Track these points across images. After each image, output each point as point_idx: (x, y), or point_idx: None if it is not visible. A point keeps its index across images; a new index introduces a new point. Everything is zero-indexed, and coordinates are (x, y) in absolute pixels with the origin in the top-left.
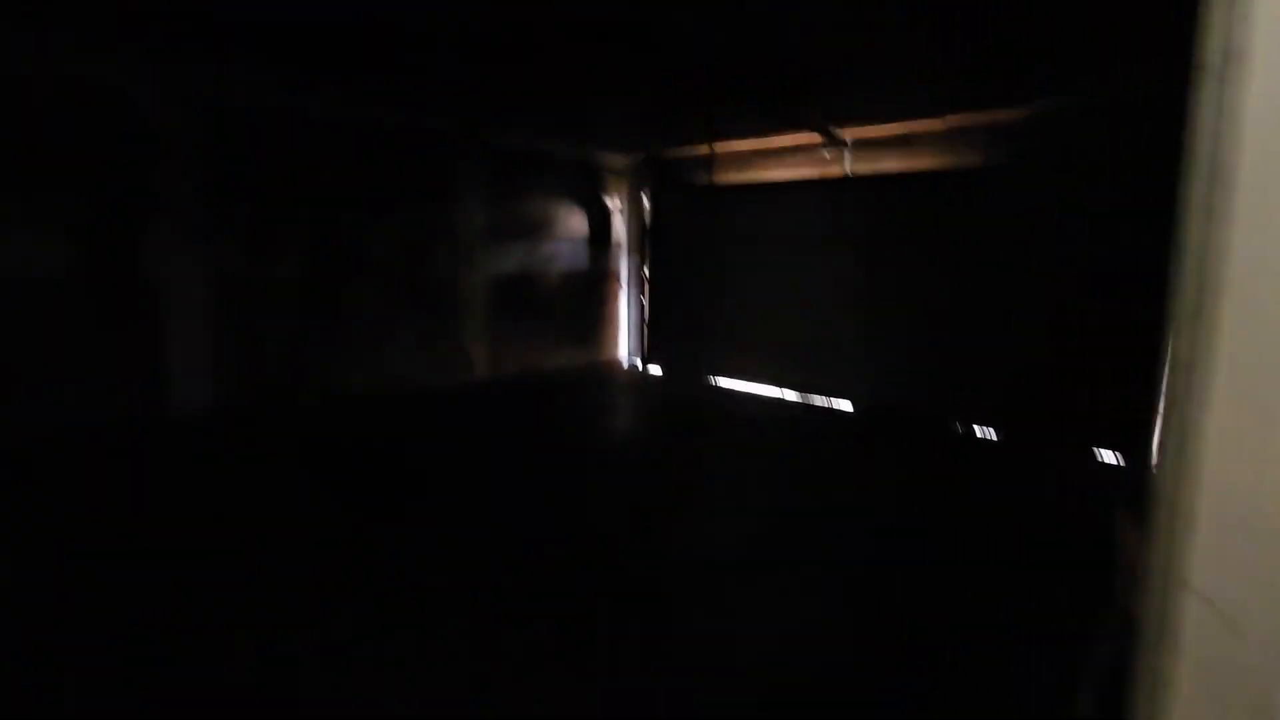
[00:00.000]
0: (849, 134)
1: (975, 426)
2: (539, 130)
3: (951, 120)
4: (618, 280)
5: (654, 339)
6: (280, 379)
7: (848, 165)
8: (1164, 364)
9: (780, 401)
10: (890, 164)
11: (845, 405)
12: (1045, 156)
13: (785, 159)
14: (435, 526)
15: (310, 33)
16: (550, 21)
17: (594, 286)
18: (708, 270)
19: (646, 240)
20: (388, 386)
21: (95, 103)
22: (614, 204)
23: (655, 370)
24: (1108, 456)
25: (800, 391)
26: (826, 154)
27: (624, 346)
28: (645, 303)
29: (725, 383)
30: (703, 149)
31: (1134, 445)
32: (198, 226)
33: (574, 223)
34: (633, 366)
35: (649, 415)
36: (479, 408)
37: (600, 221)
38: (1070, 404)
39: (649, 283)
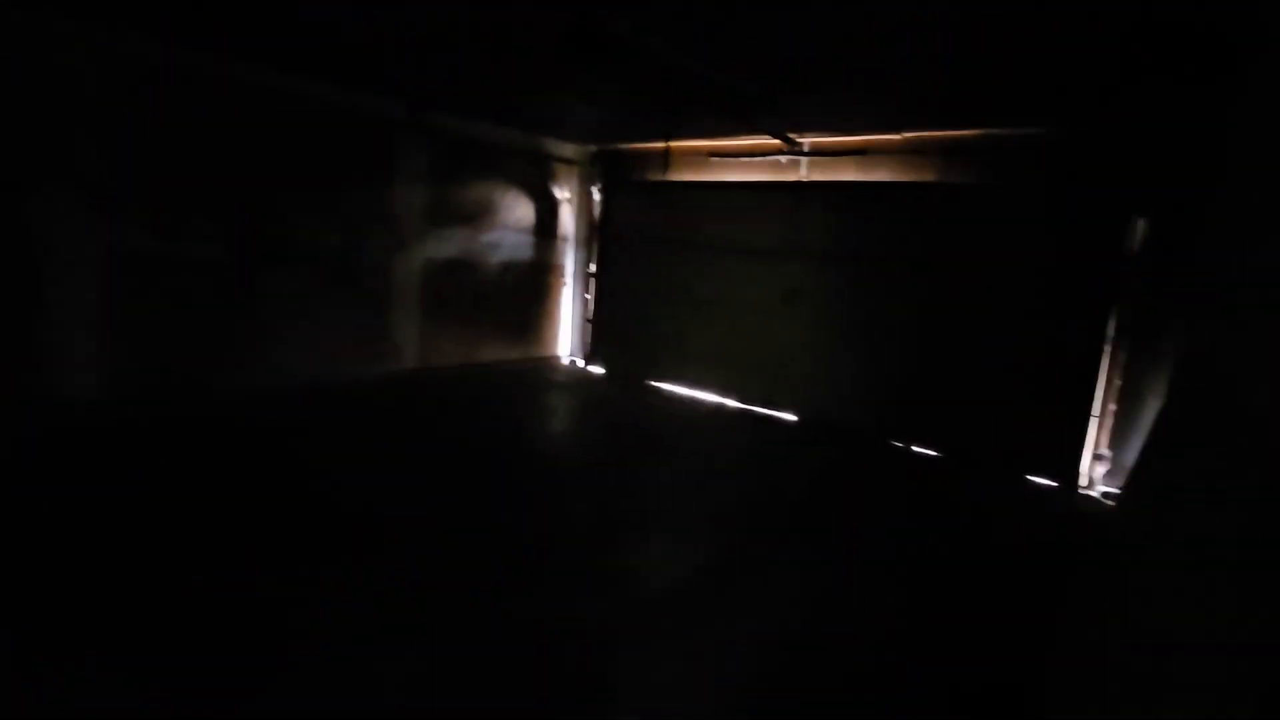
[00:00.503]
0: (807, 141)
1: (915, 447)
2: (486, 116)
3: (909, 136)
4: (562, 274)
5: (597, 337)
6: (187, 369)
7: (804, 172)
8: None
9: (720, 407)
10: (846, 173)
11: (787, 417)
12: (998, 179)
13: (742, 161)
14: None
15: None
16: (501, 16)
17: (536, 279)
18: (656, 270)
19: (594, 235)
20: (307, 379)
21: None
22: (562, 195)
23: (595, 370)
24: (1042, 481)
25: (744, 402)
26: (783, 160)
27: (565, 344)
28: (590, 299)
29: (669, 387)
30: (658, 145)
31: (1064, 471)
32: (98, 194)
33: (519, 212)
34: (573, 364)
35: (577, 413)
36: (396, 402)
37: (546, 213)
38: (1006, 428)
39: (595, 279)
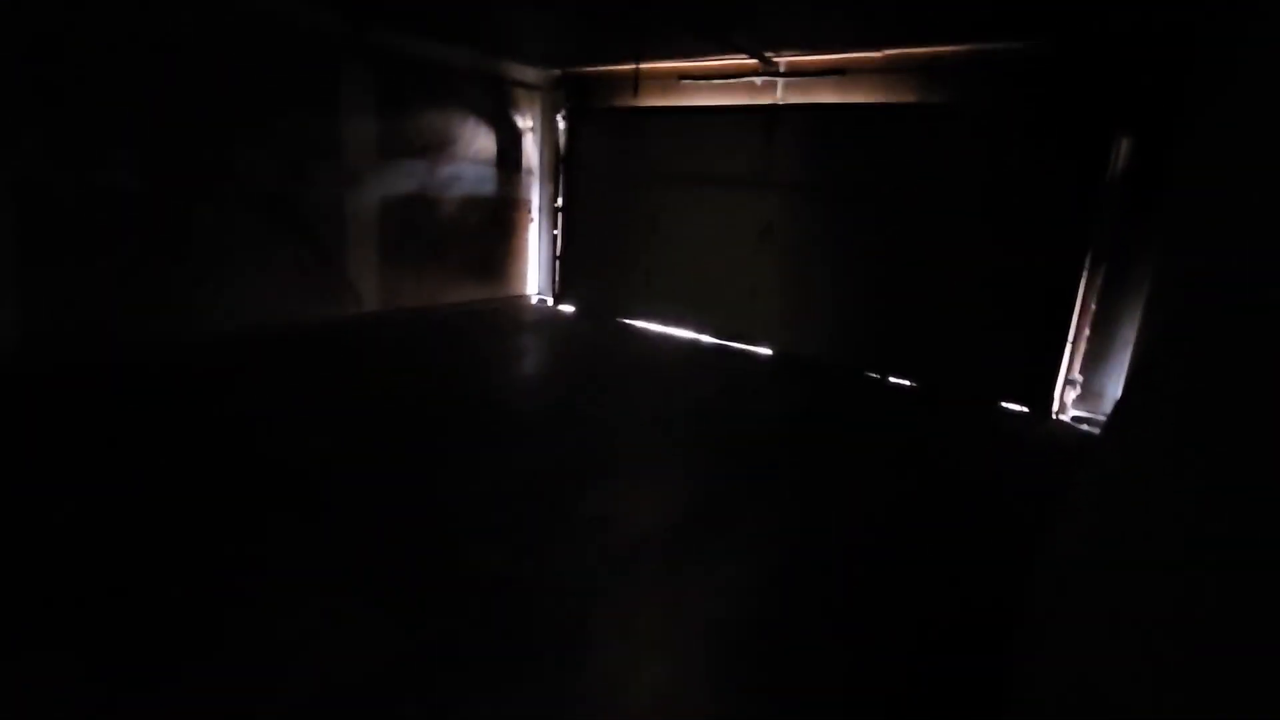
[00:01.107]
0: (784, 61)
1: (891, 378)
2: (437, 34)
3: (890, 53)
4: (528, 209)
5: (566, 275)
6: (113, 315)
7: (780, 94)
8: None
9: (694, 343)
10: (824, 95)
11: (762, 351)
12: (980, 98)
13: (715, 84)
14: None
15: None
16: None
17: (501, 215)
18: (625, 203)
19: (561, 167)
20: (253, 325)
21: None
22: (525, 124)
23: (566, 308)
24: (1016, 407)
25: (719, 337)
26: (759, 81)
27: (534, 282)
28: (557, 235)
29: (642, 324)
30: (626, 68)
31: (1037, 397)
32: None
33: (480, 143)
34: (542, 303)
35: (545, 354)
36: (351, 346)
37: (509, 143)
38: (982, 356)
39: (562, 213)
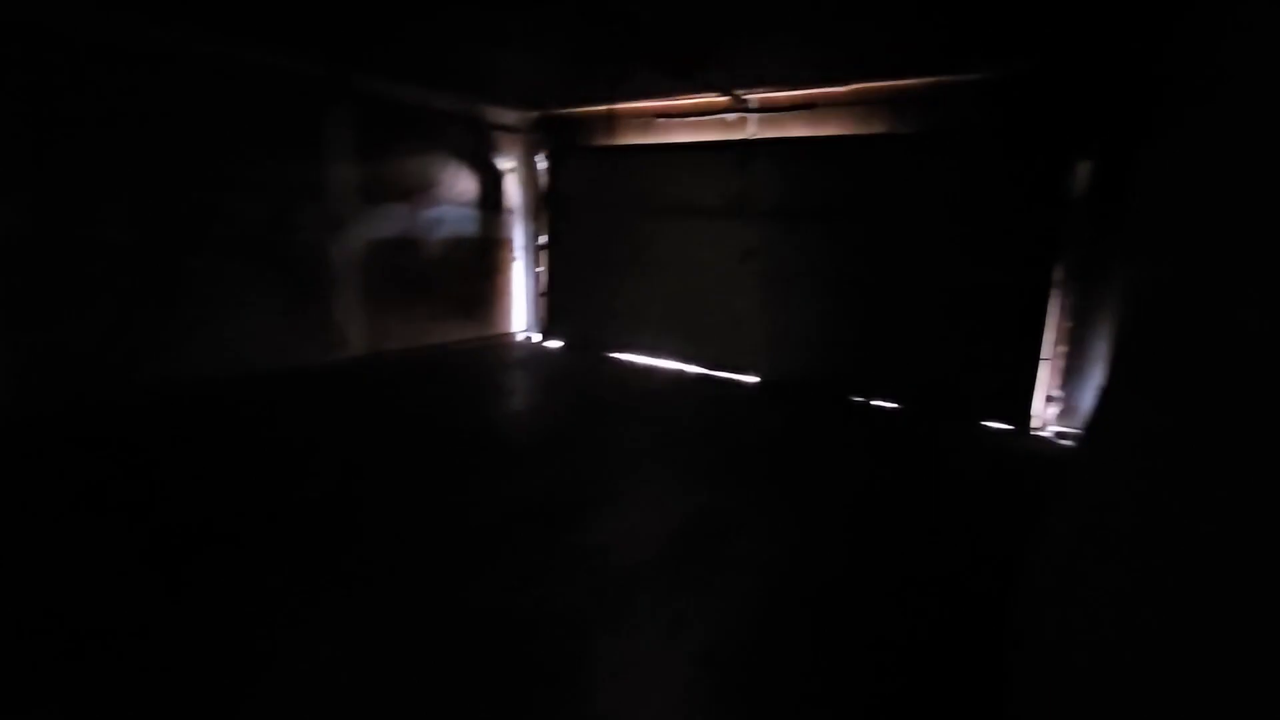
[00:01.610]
0: (754, 97)
1: (874, 400)
2: (416, 78)
3: (857, 87)
4: (511, 248)
5: (551, 311)
6: (103, 363)
7: (753, 129)
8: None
9: (680, 373)
10: (798, 129)
11: (749, 379)
12: (946, 127)
13: (689, 121)
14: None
15: None
16: None
17: (484, 255)
18: (607, 238)
19: (543, 205)
20: (239, 369)
21: None
22: (506, 165)
23: (553, 344)
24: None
25: (705, 367)
26: (730, 118)
27: (520, 319)
28: (541, 272)
29: (629, 357)
30: (602, 109)
31: (1017, 414)
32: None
33: (461, 185)
34: (529, 340)
35: (534, 389)
36: (339, 388)
37: (490, 184)
38: (960, 376)
39: (545, 251)
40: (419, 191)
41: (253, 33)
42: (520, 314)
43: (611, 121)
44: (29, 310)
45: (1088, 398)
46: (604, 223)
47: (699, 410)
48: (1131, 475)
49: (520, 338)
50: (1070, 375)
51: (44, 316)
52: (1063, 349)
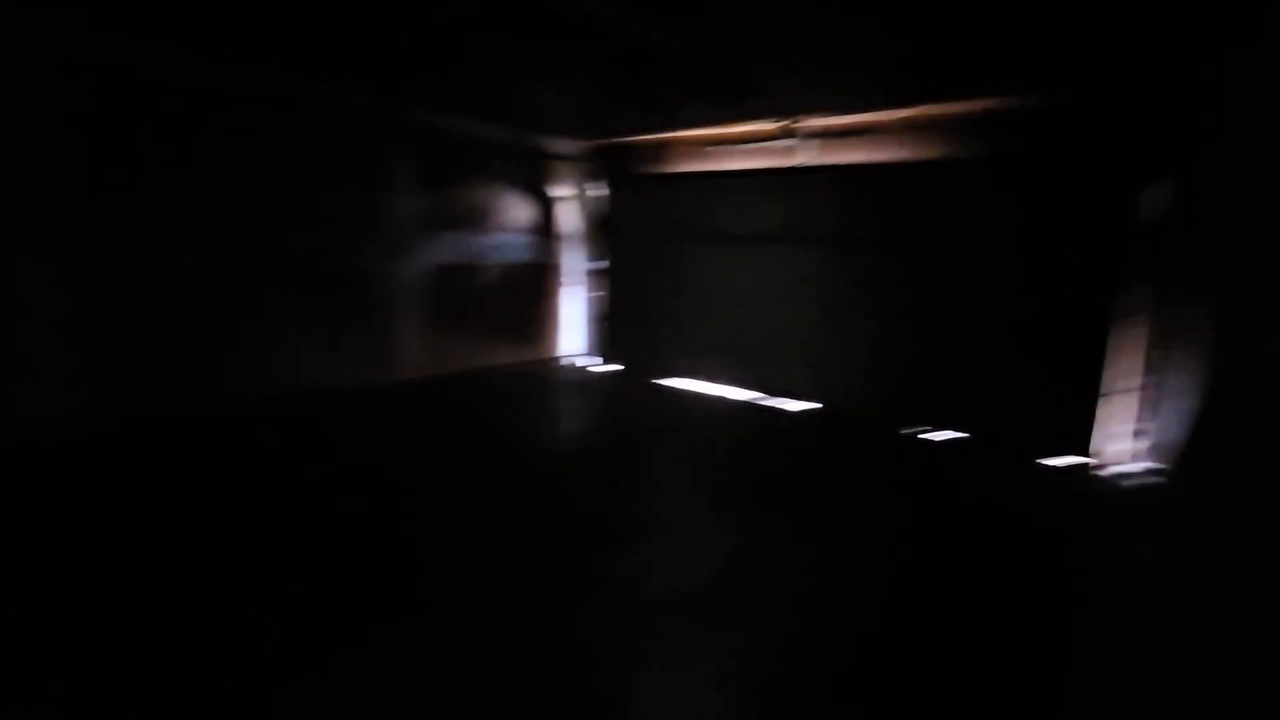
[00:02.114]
0: (809, 124)
1: (929, 430)
2: (472, 113)
3: (912, 113)
4: (563, 275)
5: (603, 336)
6: (174, 382)
7: (805, 156)
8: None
9: (732, 399)
10: (852, 154)
11: (804, 406)
12: (1006, 152)
13: (743, 148)
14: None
15: None
16: (490, 12)
17: (538, 280)
18: (660, 264)
19: (597, 232)
20: (304, 388)
21: None
22: (559, 193)
23: (604, 368)
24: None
25: (756, 392)
26: (782, 145)
27: (568, 343)
28: (594, 297)
29: (680, 383)
30: (654, 137)
31: (1077, 449)
32: (59, 210)
33: (517, 213)
34: (581, 365)
35: (585, 414)
36: (396, 408)
37: (544, 211)
38: (1018, 408)
39: (599, 276)
40: (475, 219)
41: (319, 74)
42: (571, 338)
43: (663, 150)
44: (114, 330)
45: (1174, 430)
46: (656, 248)
47: (747, 437)
48: (1247, 510)
49: (571, 362)
50: (1154, 409)
51: (127, 336)
52: (1144, 380)
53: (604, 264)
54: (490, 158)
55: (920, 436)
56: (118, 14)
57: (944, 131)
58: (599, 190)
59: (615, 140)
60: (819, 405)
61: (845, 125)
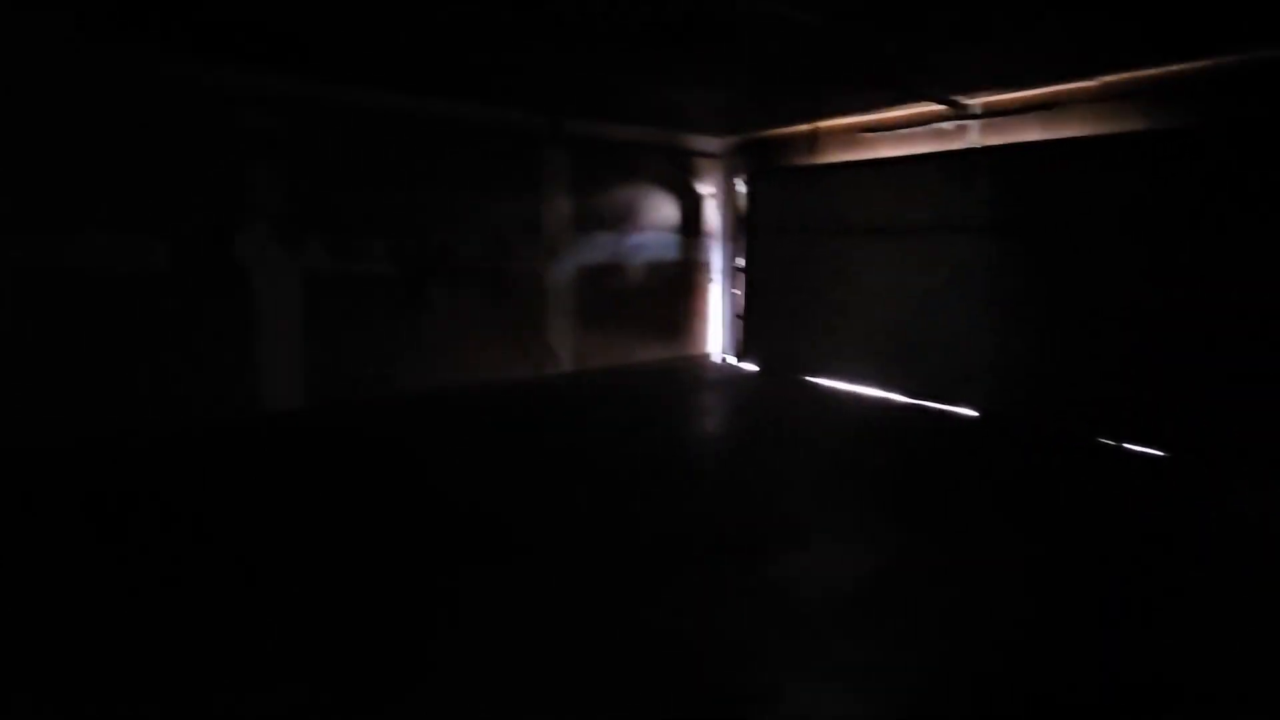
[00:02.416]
0: (978, 102)
1: (1129, 444)
2: (624, 119)
3: (1108, 80)
4: (708, 271)
5: (747, 333)
6: (367, 377)
7: (974, 137)
8: None
9: (883, 402)
10: (1028, 133)
11: (964, 412)
12: (1228, 118)
13: (899, 134)
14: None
15: (393, 33)
16: (634, 10)
17: (683, 278)
18: (808, 259)
19: (741, 228)
20: (472, 383)
21: (190, 106)
22: (705, 190)
23: (748, 366)
24: None
25: (913, 396)
26: (949, 126)
27: (716, 340)
28: (740, 295)
29: (826, 382)
30: (803, 128)
31: None
32: (288, 227)
33: (663, 211)
34: (725, 362)
35: (728, 413)
36: (552, 404)
37: (690, 209)
38: (1249, 421)
39: (743, 273)
40: (623, 219)
41: (493, 98)
42: (716, 335)
43: (812, 140)
44: (317, 328)
45: None
46: (804, 243)
47: (901, 443)
48: None
49: (715, 359)
50: None
51: (327, 333)
52: None
53: (747, 261)
54: (637, 159)
55: (1122, 448)
56: (351, 72)
57: (1147, 99)
58: (743, 186)
59: (761, 134)
60: (987, 411)
61: (1025, 100)
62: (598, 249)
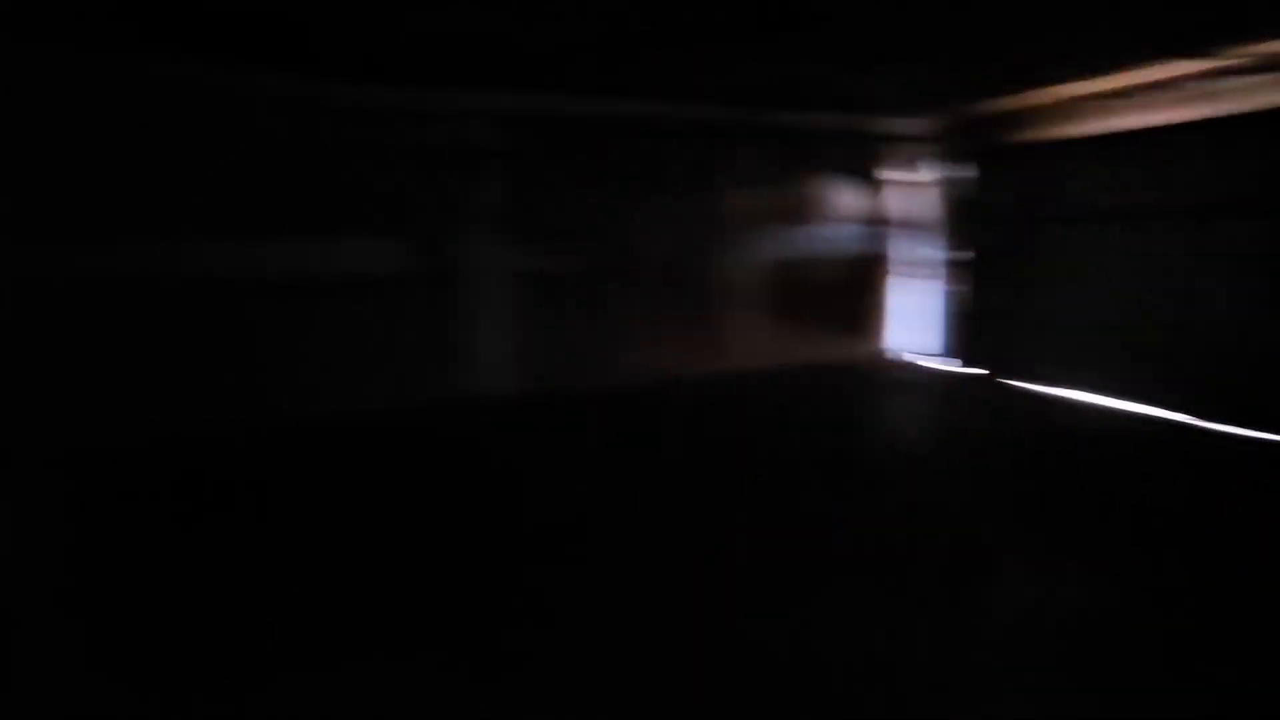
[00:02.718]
0: (1259, 50)
1: None
2: (811, 108)
3: None
4: (904, 265)
5: (958, 331)
6: (562, 370)
7: (1249, 100)
8: None
9: (1132, 417)
10: None
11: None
12: None
13: (1141, 100)
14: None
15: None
16: None
17: (866, 272)
18: (1034, 248)
19: (946, 216)
20: (652, 378)
21: (418, 123)
22: (899, 177)
23: (956, 369)
24: None
25: (1168, 408)
26: (1210, 86)
27: (911, 338)
28: (942, 289)
29: (1054, 391)
30: (1018, 101)
31: None
32: (500, 229)
33: (849, 201)
34: (913, 361)
35: (933, 421)
36: (730, 401)
37: (879, 198)
38: None
39: (948, 266)
40: (804, 212)
41: (666, 93)
42: (914, 333)
43: (1028, 115)
44: (523, 320)
45: None
46: (1026, 231)
47: (1166, 480)
48: None
49: (910, 358)
50: None
51: (528, 325)
52: None
53: (956, 252)
54: (823, 148)
55: None
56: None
57: None
58: (948, 171)
59: (964, 113)
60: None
61: None
62: (778, 243)
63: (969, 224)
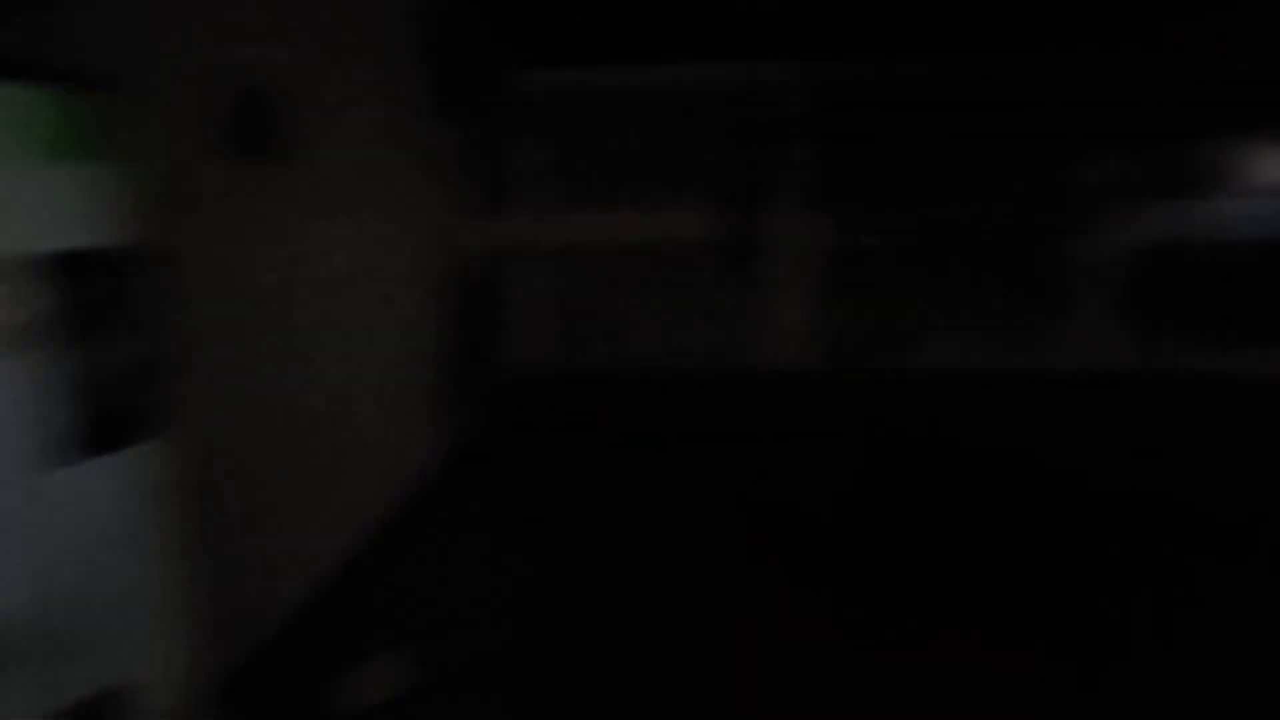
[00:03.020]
0: None
1: None
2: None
3: None
4: None
5: None
6: (867, 349)
7: None
8: None
9: None
10: None
11: None
12: None
13: None
14: None
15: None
16: None
17: None
18: None
19: None
20: (970, 367)
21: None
22: None
23: None
24: None
25: None
26: None
27: None
28: None
29: None
30: None
31: None
32: (812, 203)
33: (1263, 167)
34: None
35: None
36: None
37: None
38: None
39: None
40: (1203, 180)
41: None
42: None
43: None
44: (824, 296)
45: None
46: None
47: None
48: None
49: None
50: None
51: (832, 300)
52: None
53: None
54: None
55: None
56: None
57: None
58: None
59: None
60: None
61: None
62: (1156, 219)
63: None
